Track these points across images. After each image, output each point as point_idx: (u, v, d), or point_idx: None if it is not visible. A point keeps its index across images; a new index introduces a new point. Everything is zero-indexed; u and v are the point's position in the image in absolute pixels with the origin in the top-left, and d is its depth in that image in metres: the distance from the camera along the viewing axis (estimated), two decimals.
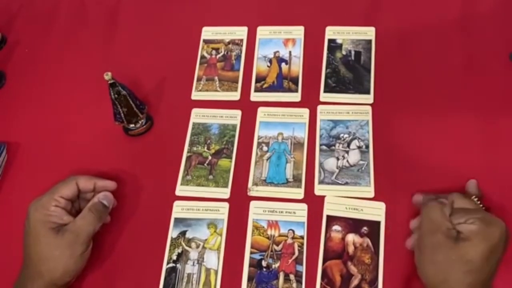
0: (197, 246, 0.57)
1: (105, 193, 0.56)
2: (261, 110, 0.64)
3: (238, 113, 0.65)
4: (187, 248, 0.57)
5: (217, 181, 0.60)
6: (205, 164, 0.62)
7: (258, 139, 0.62)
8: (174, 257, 0.56)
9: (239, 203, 0.58)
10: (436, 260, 0.46)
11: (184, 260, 0.56)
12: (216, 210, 0.58)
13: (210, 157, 0.62)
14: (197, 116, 0.65)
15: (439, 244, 0.46)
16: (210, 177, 0.61)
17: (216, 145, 0.63)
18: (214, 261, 0.56)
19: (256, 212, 0.57)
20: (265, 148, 0.62)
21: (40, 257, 0.51)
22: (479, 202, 0.51)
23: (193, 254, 0.56)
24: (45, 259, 0.51)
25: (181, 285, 0.55)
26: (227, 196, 0.59)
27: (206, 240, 0.57)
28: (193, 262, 0.56)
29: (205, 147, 0.63)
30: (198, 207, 0.59)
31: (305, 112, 0.63)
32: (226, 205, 0.58)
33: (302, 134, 0.62)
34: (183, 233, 0.58)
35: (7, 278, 0.54)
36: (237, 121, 0.64)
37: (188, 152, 0.63)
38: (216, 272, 0.55)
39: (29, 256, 0.52)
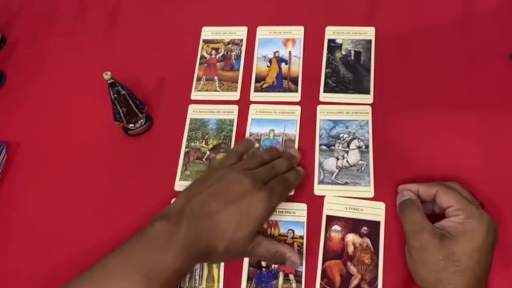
0: None
1: None
2: (252, 107, 0.64)
3: (235, 108, 0.65)
4: None
5: None
6: (204, 159, 0.62)
7: (250, 136, 0.63)
8: None
9: None
10: (425, 261, 0.46)
11: None
12: None
13: (208, 152, 0.62)
14: (195, 112, 0.65)
15: (426, 244, 0.46)
16: None
17: (214, 140, 0.63)
18: None
19: None
20: (257, 145, 0.62)
21: (230, 245, 0.48)
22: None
23: None
24: (232, 248, 0.49)
25: (185, 281, 0.55)
26: None
27: None
28: None
29: (203, 142, 0.63)
30: None
31: (297, 109, 0.63)
32: None
33: (294, 131, 0.62)
34: None
35: (5, 277, 0.54)
36: (234, 116, 0.64)
37: (186, 147, 0.63)
38: (218, 266, 0.55)
39: (214, 232, 0.48)
